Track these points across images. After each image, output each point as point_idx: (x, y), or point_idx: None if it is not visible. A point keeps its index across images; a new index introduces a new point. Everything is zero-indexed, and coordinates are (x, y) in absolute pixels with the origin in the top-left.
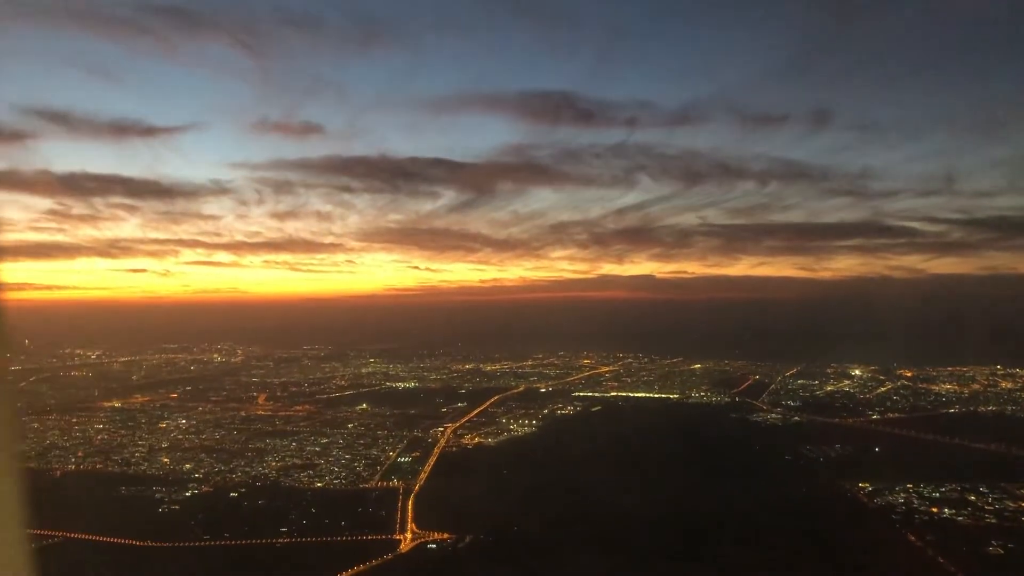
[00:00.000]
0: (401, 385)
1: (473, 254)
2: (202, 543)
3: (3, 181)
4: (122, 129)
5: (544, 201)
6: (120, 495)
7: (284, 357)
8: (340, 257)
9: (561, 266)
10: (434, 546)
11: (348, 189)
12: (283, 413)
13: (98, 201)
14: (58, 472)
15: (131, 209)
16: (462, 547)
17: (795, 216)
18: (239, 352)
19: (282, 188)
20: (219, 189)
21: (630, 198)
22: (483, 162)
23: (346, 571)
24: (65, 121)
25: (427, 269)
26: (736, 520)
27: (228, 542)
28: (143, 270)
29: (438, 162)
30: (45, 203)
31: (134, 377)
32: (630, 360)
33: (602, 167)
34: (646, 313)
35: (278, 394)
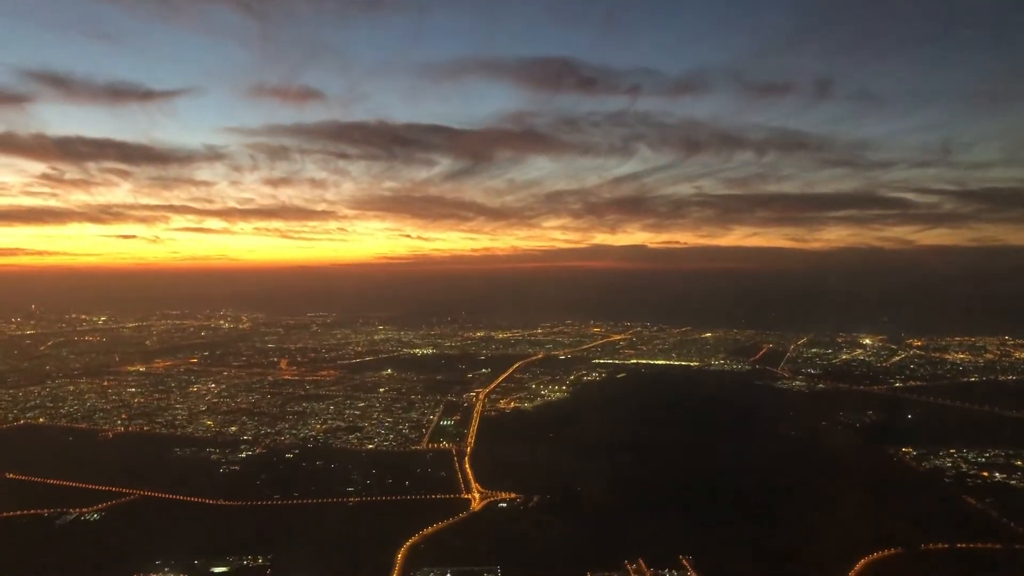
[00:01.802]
0: (419, 351)
1: (466, 223)
2: (273, 502)
3: None
4: (119, 93)
5: (541, 170)
6: (176, 456)
7: (292, 324)
8: (332, 225)
9: (553, 235)
10: (504, 505)
11: (344, 156)
12: (310, 378)
13: (92, 166)
14: (110, 433)
15: (124, 174)
16: (532, 506)
17: (790, 187)
18: (244, 319)
19: (277, 154)
20: (213, 155)
21: (627, 167)
22: (481, 129)
23: (429, 527)
24: (63, 84)
25: (419, 238)
26: (795, 482)
27: (300, 501)
28: (133, 236)
29: (436, 129)
30: (39, 167)
31: (148, 342)
32: (639, 329)
33: (601, 136)
34: (641, 283)
35: (298, 359)
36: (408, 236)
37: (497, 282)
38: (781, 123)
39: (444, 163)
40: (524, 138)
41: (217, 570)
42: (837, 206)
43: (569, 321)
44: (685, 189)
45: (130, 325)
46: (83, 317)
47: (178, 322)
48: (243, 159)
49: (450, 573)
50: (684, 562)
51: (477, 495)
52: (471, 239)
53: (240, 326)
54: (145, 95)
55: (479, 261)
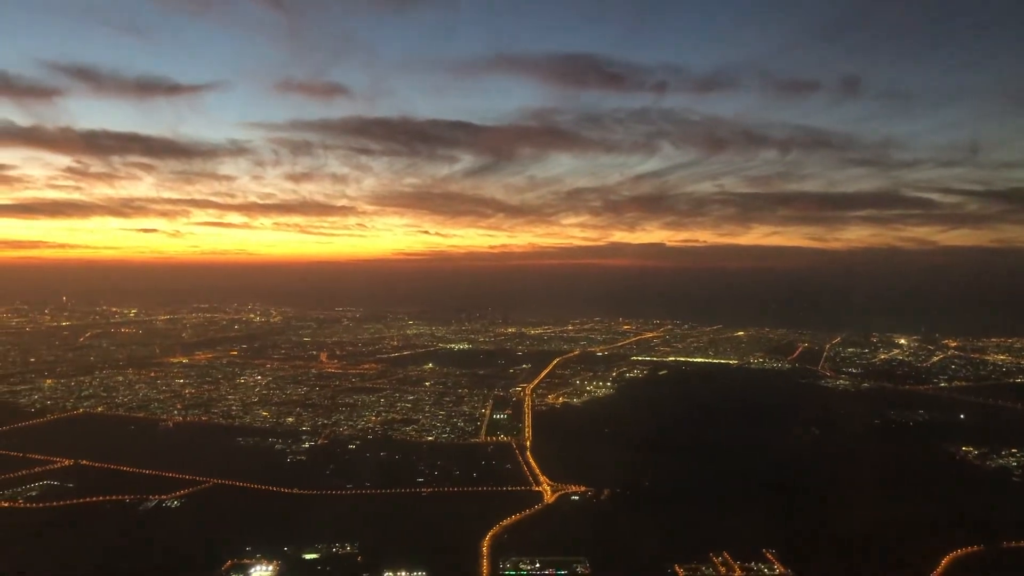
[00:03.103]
0: (454, 346)
1: (485, 220)
2: (347, 491)
3: (27, 137)
4: (147, 87)
5: (562, 167)
6: (240, 445)
7: (322, 318)
8: (351, 220)
9: (571, 233)
10: (576, 498)
11: (367, 151)
12: (353, 371)
13: (116, 160)
14: (171, 423)
15: (147, 168)
16: (603, 499)
17: (812, 185)
18: (274, 313)
19: (300, 149)
20: (236, 149)
21: (649, 165)
22: (504, 126)
23: (508, 518)
24: (92, 78)
25: (437, 234)
26: (863, 477)
27: (373, 491)
28: (154, 230)
29: (459, 125)
30: (65, 160)
31: (184, 335)
32: (670, 326)
33: (624, 133)
34: (661, 281)
35: (337, 353)
36: (426, 232)
37: (515, 279)
38: (806, 121)
39: (466, 159)
40: (547, 135)
41: (308, 557)
42: (859, 205)
43: (598, 318)
44: (706, 187)
45: (162, 318)
46: (114, 309)
47: (208, 315)
48: (266, 154)
49: (538, 563)
50: (768, 555)
51: (548, 488)
52: (489, 236)
53: (271, 320)
54: (172, 89)
55: (496, 258)
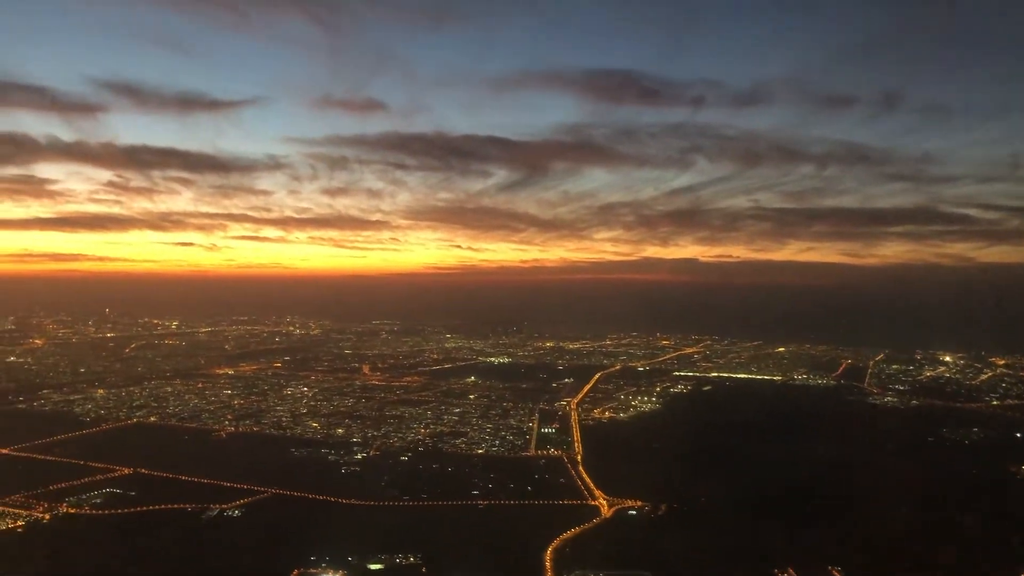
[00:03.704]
0: (495, 360)
1: (517, 234)
2: (404, 503)
3: (71, 152)
4: (187, 102)
5: (596, 181)
6: (295, 456)
7: (361, 331)
8: (385, 235)
9: (604, 248)
10: (634, 512)
11: (402, 166)
12: (396, 383)
13: (156, 174)
14: (223, 433)
15: (186, 183)
16: (661, 514)
17: (848, 201)
18: (313, 325)
19: (337, 164)
20: (274, 164)
21: (684, 180)
22: (539, 141)
23: (567, 532)
24: (134, 93)
25: (469, 248)
26: (924, 495)
27: (429, 502)
28: (191, 244)
29: (493, 140)
30: (106, 175)
31: (227, 347)
32: (709, 342)
33: (659, 147)
34: (695, 296)
35: (379, 365)
36: (458, 247)
37: (547, 293)
38: (844, 136)
39: (500, 174)
40: (581, 149)
41: (373, 567)
42: (896, 221)
43: (635, 333)
44: (741, 202)
45: (203, 330)
46: (156, 321)
47: (249, 327)
48: (303, 169)
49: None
50: (835, 572)
51: (604, 502)
52: (521, 250)
53: (311, 332)
54: (212, 105)
55: (527, 272)
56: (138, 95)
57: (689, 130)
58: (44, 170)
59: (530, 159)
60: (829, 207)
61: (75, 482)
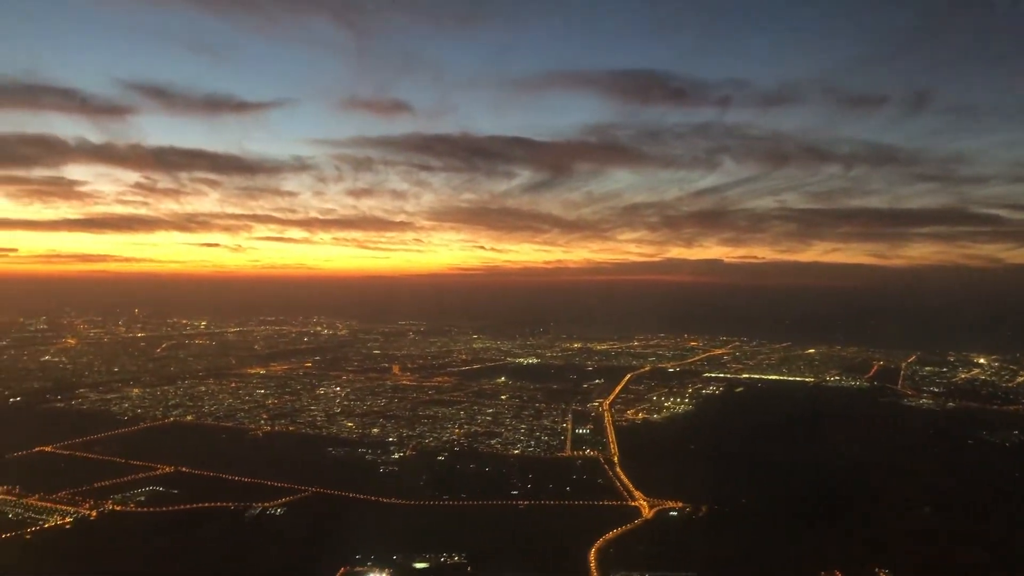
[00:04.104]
0: (523, 361)
1: (540, 235)
2: (443, 502)
3: (100, 154)
4: (215, 104)
5: (620, 182)
6: (332, 455)
7: (388, 331)
8: (409, 236)
9: (627, 249)
10: (675, 514)
11: (427, 167)
12: (427, 384)
13: (183, 176)
14: (259, 432)
15: (213, 184)
16: (702, 516)
17: (876, 201)
18: (340, 326)
19: (362, 165)
20: (300, 165)
21: (709, 180)
22: (563, 141)
23: (610, 532)
24: (163, 96)
25: (492, 249)
26: (968, 498)
27: (469, 502)
28: (216, 244)
29: (519, 141)
30: (134, 176)
31: (256, 347)
32: (737, 343)
33: (685, 148)
34: (720, 298)
35: (408, 366)
36: (481, 248)
37: (571, 294)
38: (873, 136)
39: (524, 175)
40: (606, 150)
41: (419, 566)
42: (924, 222)
43: (663, 334)
44: (767, 203)
45: (232, 330)
46: (184, 321)
47: (277, 328)
48: (329, 170)
49: None
50: (881, 574)
51: (644, 503)
52: (544, 251)
53: (338, 333)
54: (239, 106)
55: (550, 273)
56: (166, 97)
57: (716, 130)
58: (73, 172)
59: (555, 160)
60: (856, 208)
61: (118, 480)
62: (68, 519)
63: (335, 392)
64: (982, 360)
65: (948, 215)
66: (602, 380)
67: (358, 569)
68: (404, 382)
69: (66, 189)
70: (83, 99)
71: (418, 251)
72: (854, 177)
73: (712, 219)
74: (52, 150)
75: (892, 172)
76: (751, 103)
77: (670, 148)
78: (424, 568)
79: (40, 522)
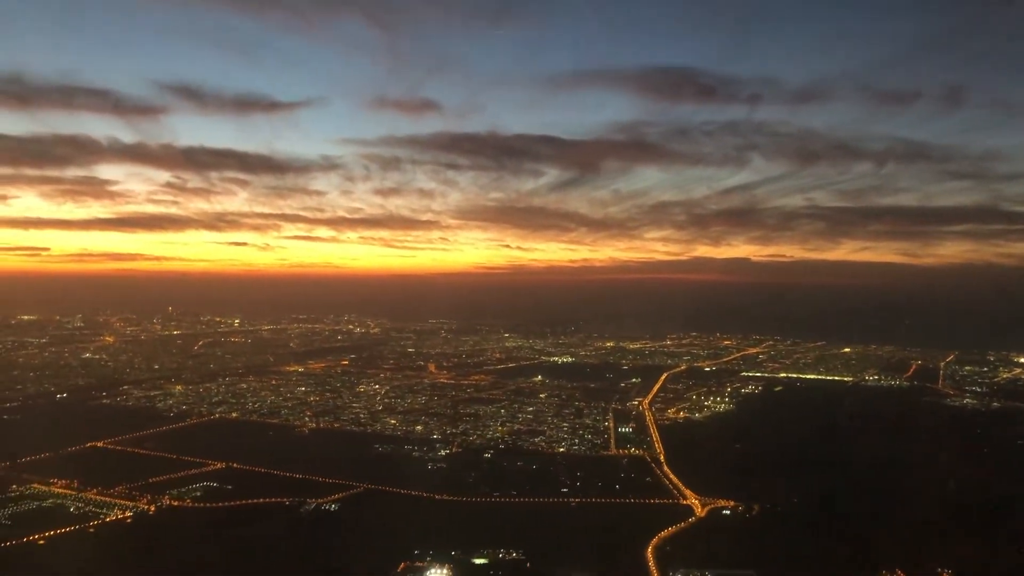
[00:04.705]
0: (558, 359)
1: (566, 234)
2: (495, 499)
3: (131, 153)
4: (246, 104)
5: (648, 180)
6: (379, 452)
7: (419, 330)
8: (435, 234)
9: (654, 247)
10: (727, 512)
11: (454, 166)
12: (465, 382)
13: (213, 175)
14: (305, 429)
15: (243, 184)
16: (755, 515)
17: (907, 199)
18: (371, 324)
19: (390, 165)
20: (328, 165)
21: (738, 178)
22: (591, 140)
23: (665, 530)
24: (195, 96)
25: (518, 248)
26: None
27: (520, 499)
28: (244, 243)
29: (546, 140)
30: (164, 176)
31: (291, 344)
32: (771, 342)
33: (714, 146)
34: (748, 296)
35: (444, 364)
36: (507, 246)
37: (597, 293)
38: (905, 133)
39: (551, 174)
40: (634, 148)
41: (478, 561)
42: (956, 220)
43: (695, 333)
44: (796, 201)
45: (266, 328)
46: (218, 319)
47: (309, 326)
48: (357, 169)
49: (708, 574)
50: (944, 574)
51: (696, 501)
52: (570, 250)
53: (370, 331)
54: (270, 106)
55: (576, 272)
56: (198, 97)
57: (745, 128)
58: (105, 171)
59: (583, 158)
60: (886, 206)
61: (172, 476)
62: (128, 513)
63: (375, 390)
64: (1023, 360)
65: (981, 213)
66: (639, 379)
67: (418, 564)
68: (441, 380)
69: (98, 189)
70: (117, 99)
71: (444, 250)
72: (885, 175)
73: (740, 217)
74: (85, 150)
75: (924, 169)
76: (782, 100)
77: (699, 146)
78: (484, 564)
79: (101, 516)
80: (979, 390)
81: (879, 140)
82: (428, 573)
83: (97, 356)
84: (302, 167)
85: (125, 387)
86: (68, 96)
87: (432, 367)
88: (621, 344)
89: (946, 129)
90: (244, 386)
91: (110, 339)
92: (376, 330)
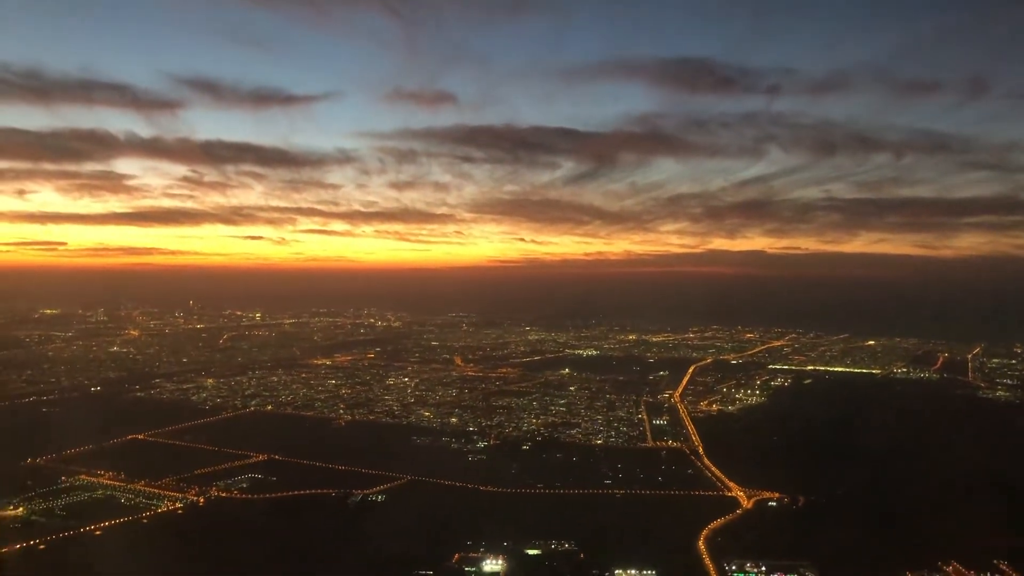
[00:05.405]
0: (583, 353)
1: (581, 227)
2: (539, 491)
3: (148, 148)
4: (262, 98)
5: (664, 172)
6: (417, 444)
7: (441, 323)
8: (450, 228)
9: (669, 240)
10: (773, 504)
11: (470, 159)
12: (493, 375)
13: (230, 169)
14: (342, 421)
15: (258, 177)
16: (801, 506)
17: (925, 191)
18: (392, 317)
19: (405, 158)
20: (344, 158)
21: (755, 170)
22: (608, 132)
23: (714, 521)
24: (212, 90)
25: (532, 241)
26: None
27: (564, 491)
28: (260, 237)
29: (562, 132)
30: (181, 170)
31: (315, 338)
32: (794, 335)
33: (731, 137)
34: (766, 289)
35: (470, 357)
36: (521, 239)
37: (612, 286)
38: (925, 124)
39: (567, 166)
40: (651, 140)
41: (531, 552)
42: (975, 211)
43: (716, 326)
44: (813, 193)
45: (288, 321)
46: (239, 313)
47: (331, 319)
48: (372, 162)
49: (764, 566)
50: (1002, 566)
51: (741, 493)
52: (585, 243)
53: (392, 324)
54: (287, 100)
55: (591, 265)
56: (215, 91)
57: (763, 119)
58: (122, 166)
59: (599, 151)
60: (904, 197)
61: (216, 467)
62: (179, 504)
63: (404, 383)
64: None
65: (1000, 204)
66: (666, 372)
67: (472, 555)
68: (469, 373)
69: (115, 183)
70: (134, 94)
71: (458, 243)
72: (903, 166)
73: (756, 209)
74: (102, 144)
75: (944, 161)
76: (800, 91)
77: (716, 137)
78: (536, 555)
79: (152, 507)
80: (1010, 383)
81: (898, 131)
82: (482, 563)
83: (124, 350)
84: (317, 161)
85: (157, 380)
86: (86, 91)
87: (458, 360)
88: (644, 337)
89: (966, 119)
90: (275, 379)
91: (135, 333)
92: (397, 324)
